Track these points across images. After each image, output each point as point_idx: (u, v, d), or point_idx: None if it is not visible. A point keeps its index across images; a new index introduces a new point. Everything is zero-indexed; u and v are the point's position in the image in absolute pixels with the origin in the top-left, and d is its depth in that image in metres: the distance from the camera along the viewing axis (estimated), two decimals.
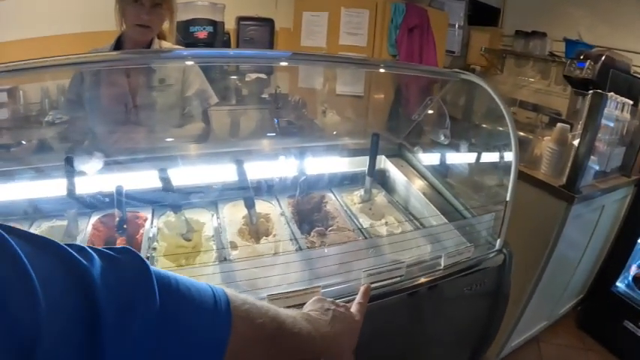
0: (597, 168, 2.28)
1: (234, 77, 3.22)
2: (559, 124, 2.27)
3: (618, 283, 2.76)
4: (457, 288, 1.33)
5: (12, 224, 1.28)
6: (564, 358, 2.74)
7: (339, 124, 2.34)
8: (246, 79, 3.20)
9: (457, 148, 1.77)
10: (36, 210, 1.49)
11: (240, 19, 3.55)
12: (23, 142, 2.33)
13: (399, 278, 1.16)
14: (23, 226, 1.42)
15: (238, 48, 3.34)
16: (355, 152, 1.77)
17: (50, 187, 1.50)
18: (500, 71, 4.17)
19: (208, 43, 3.02)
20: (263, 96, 3.27)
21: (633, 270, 2.73)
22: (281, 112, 2.97)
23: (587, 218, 2.35)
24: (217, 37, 3.13)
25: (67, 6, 3.37)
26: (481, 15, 4.31)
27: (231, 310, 0.62)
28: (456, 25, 4.17)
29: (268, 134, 2.05)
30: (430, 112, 1.78)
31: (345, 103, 3.06)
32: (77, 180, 1.40)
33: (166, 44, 1.91)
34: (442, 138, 1.71)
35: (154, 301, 0.54)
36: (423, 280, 1.22)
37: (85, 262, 0.50)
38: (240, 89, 3.21)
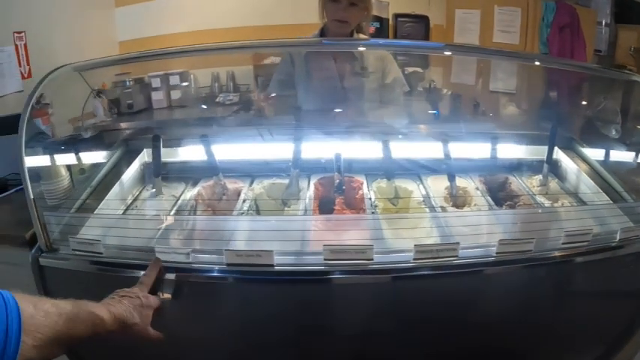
0: None
1: None
2: None
3: None
4: (614, 265, 1.52)
5: (235, 180, 1.77)
6: None
7: (509, 116, 2.62)
8: (405, 72, 3.52)
9: (624, 144, 1.99)
10: (259, 169, 1.91)
11: (398, 16, 3.88)
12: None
13: (585, 243, 1.43)
14: (245, 182, 1.86)
15: None
16: (530, 141, 2.07)
17: (269, 151, 1.94)
18: None
19: (376, 37, 3.37)
20: (419, 89, 3.58)
21: None
22: (437, 104, 3.26)
23: None
24: (383, 32, 3.50)
25: (233, 1, 3.90)
26: (628, 12, 4.26)
27: (19, 305, 0.78)
28: (602, 23, 4.18)
29: (450, 120, 2.35)
30: (600, 109, 2.04)
31: (498, 98, 3.33)
32: (300, 146, 1.78)
33: (363, 37, 2.25)
34: (613, 132, 1.97)
35: None
36: (587, 252, 1.45)
37: None
38: None
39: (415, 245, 1.29)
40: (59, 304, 0.89)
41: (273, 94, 2.35)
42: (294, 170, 1.78)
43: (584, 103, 2.23)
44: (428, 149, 1.91)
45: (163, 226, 1.54)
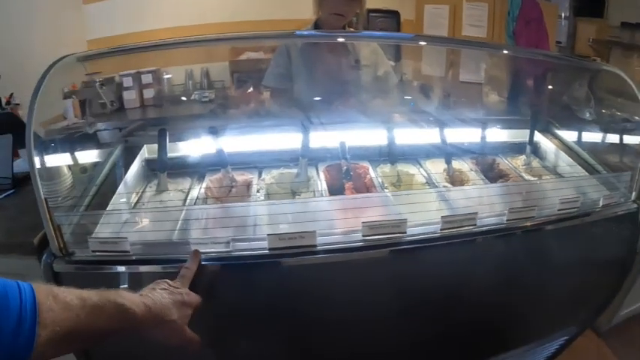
0: None
1: None
2: None
3: None
4: (598, 228, 1.77)
5: (243, 172, 1.88)
6: None
7: (492, 103, 2.84)
8: None
9: (595, 125, 2.24)
10: (264, 160, 1.98)
11: (370, 11, 4.03)
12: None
13: (575, 209, 1.66)
14: (253, 174, 1.92)
15: None
16: (511, 126, 2.30)
17: (275, 142, 2.01)
18: (607, 61, 4.42)
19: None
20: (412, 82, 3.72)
21: None
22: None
23: None
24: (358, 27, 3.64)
25: None
26: (586, 5, 4.60)
27: (37, 299, 0.75)
28: (563, 16, 4.49)
29: (438, 108, 2.51)
30: (574, 94, 2.28)
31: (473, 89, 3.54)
32: (308, 136, 1.86)
33: (352, 30, 2.42)
34: (587, 115, 2.23)
35: None
36: (575, 217, 1.68)
37: None
38: None
39: (442, 217, 1.47)
40: (84, 296, 0.84)
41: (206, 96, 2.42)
42: (303, 159, 1.85)
43: (558, 89, 2.46)
44: (425, 135, 2.09)
45: (182, 217, 1.54)
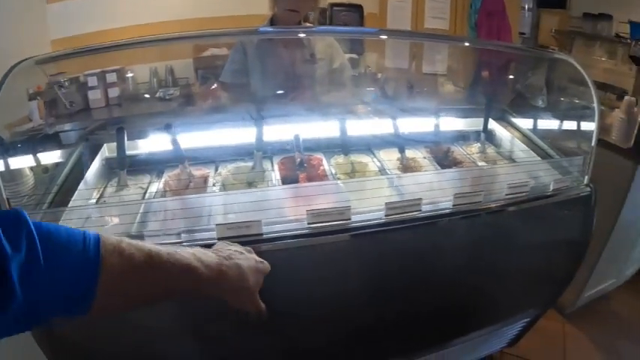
0: None
1: None
2: (626, 97, 2.74)
3: None
4: (552, 211, 1.81)
5: (200, 167, 1.86)
6: (632, 315, 3.08)
7: (448, 93, 2.87)
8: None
9: (549, 112, 2.28)
10: (221, 155, 1.99)
11: (333, 5, 4.05)
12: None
13: (524, 194, 1.69)
14: (209, 169, 1.93)
15: None
16: (467, 115, 2.34)
17: (230, 137, 2.02)
18: (569, 52, 4.51)
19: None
20: (354, 74, 3.77)
21: None
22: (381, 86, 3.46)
23: None
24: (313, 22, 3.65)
25: None
26: None
27: (100, 246, 0.73)
28: (526, 8, 4.54)
29: (391, 100, 2.54)
30: (527, 83, 2.31)
31: (434, 79, 3.56)
32: (261, 129, 1.89)
33: (309, 25, 2.44)
34: (540, 102, 2.25)
35: (23, 241, 0.66)
36: (527, 201, 1.72)
37: None
38: None
39: (386, 203, 1.49)
40: (152, 254, 0.81)
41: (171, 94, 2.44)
42: (257, 152, 1.88)
43: (513, 79, 2.50)
44: (378, 126, 2.11)
45: (140, 210, 1.55)
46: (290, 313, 1.44)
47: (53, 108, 3.01)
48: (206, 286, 0.90)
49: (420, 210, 1.52)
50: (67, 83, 3.33)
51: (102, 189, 1.83)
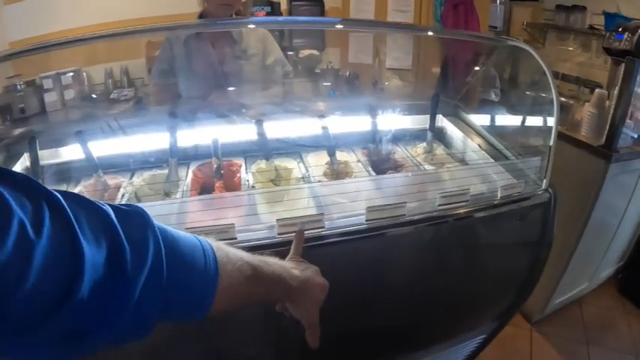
0: (635, 135, 2.54)
1: (290, 53, 3.53)
2: (597, 90, 2.56)
3: None
4: (509, 218, 1.61)
5: (115, 175, 1.64)
6: (605, 319, 3.01)
7: (397, 89, 2.69)
8: (300, 55, 3.52)
9: (505, 107, 2.06)
10: (137, 162, 1.84)
11: (292, 0, 3.86)
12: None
13: (464, 203, 1.47)
14: (125, 177, 1.81)
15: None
16: (416, 112, 2.10)
17: (148, 142, 1.87)
18: (542, 45, 4.38)
19: None
20: (316, 71, 3.60)
21: None
22: (335, 85, 3.32)
23: (624, 181, 2.59)
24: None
25: None
26: None
27: (218, 261, 0.73)
28: (498, 1, 4.41)
29: (337, 97, 2.38)
30: (481, 75, 2.10)
31: (395, 74, 3.39)
32: (175, 135, 1.75)
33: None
34: (493, 96, 2.03)
35: (150, 249, 0.62)
36: (479, 209, 1.52)
37: (105, 209, 0.61)
38: (297, 64, 3.52)
39: (277, 220, 1.32)
40: (253, 263, 0.82)
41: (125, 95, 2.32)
42: (172, 159, 1.77)
43: (465, 70, 2.29)
44: (308, 127, 1.90)
45: None
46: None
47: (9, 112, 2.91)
48: (294, 296, 0.93)
49: (323, 227, 1.34)
50: (22, 86, 3.25)
51: None
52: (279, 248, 1.26)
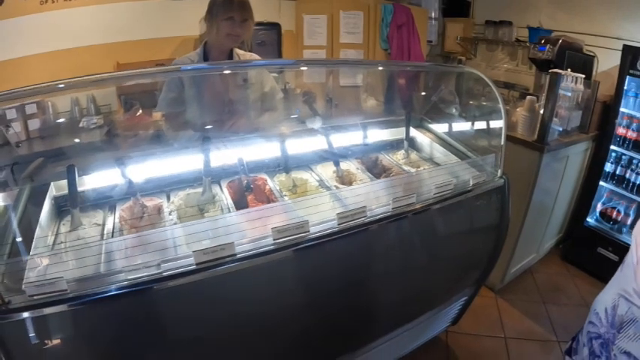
0: (560, 129, 3.16)
1: None
2: (528, 97, 3.19)
3: (589, 219, 3.69)
4: (474, 203, 2.14)
5: (151, 197, 2.02)
6: (555, 283, 3.63)
7: (372, 107, 3.16)
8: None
9: (463, 117, 2.64)
10: (170, 184, 2.03)
11: None
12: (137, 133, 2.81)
13: (450, 191, 2.00)
14: (161, 198, 1.95)
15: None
16: (389, 126, 2.64)
17: (178, 165, 2.05)
18: (474, 56, 5.03)
19: None
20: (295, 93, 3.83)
21: (599, 207, 3.65)
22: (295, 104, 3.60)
23: (555, 167, 3.25)
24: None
25: (89, 20, 3.75)
26: (454, 7, 5.12)
27: None
28: (433, 18, 4.95)
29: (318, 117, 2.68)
30: (442, 94, 2.65)
31: (347, 92, 3.87)
32: (203, 156, 1.92)
33: (239, 51, 2.54)
34: (454, 110, 2.59)
35: None
36: (459, 194, 2.04)
37: None
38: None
39: (337, 213, 1.71)
40: None
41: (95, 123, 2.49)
42: (206, 178, 1.94)
43: (428, 90, 2.81)
44: (314, 143, 2.31)
45: (103, 250, 1.50)
46: (271, 319, 1.71)
47: None
48: None
49: (366, 216, 1.77)
50: None
51: (56, 229, 1.78)
52: (340, 235, 1.70)
